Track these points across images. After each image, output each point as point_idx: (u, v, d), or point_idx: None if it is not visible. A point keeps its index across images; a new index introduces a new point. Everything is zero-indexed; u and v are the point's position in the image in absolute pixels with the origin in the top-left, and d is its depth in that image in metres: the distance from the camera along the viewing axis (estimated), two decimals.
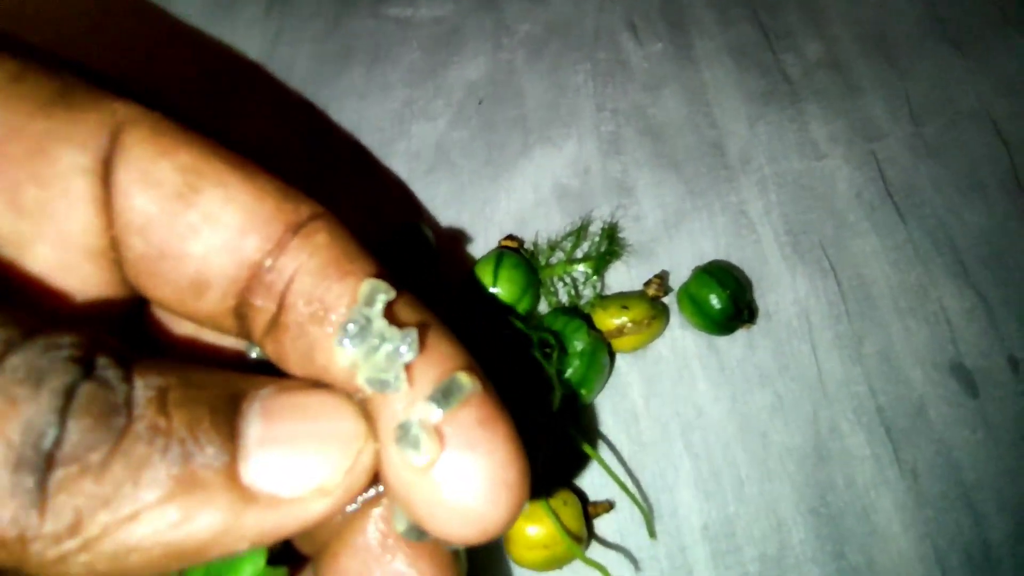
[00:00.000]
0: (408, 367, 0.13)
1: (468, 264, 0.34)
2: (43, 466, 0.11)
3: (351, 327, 0.13)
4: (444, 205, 0.37)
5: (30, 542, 0.11)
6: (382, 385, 0.13)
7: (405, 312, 0.14)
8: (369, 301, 0.13)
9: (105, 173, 0.14)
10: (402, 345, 0.12)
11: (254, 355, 0.15)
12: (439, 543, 0.14)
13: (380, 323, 0.13)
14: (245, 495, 0.12)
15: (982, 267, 0.34)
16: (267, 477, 0.12)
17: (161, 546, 0.11)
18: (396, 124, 0.39)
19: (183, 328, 0.16)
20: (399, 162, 0.38)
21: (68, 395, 0.11)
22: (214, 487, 0.11)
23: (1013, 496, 0.29)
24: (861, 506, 0.29)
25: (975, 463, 0.30)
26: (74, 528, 0.11)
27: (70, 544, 0.11)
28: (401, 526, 0.14)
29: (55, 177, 0.14)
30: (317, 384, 0.13)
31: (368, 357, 0.12)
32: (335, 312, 0.13)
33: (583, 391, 0.29)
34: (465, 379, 0.13)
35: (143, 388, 0.12)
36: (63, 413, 0.11)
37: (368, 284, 0.13)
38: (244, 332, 0.15)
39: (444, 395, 0.12)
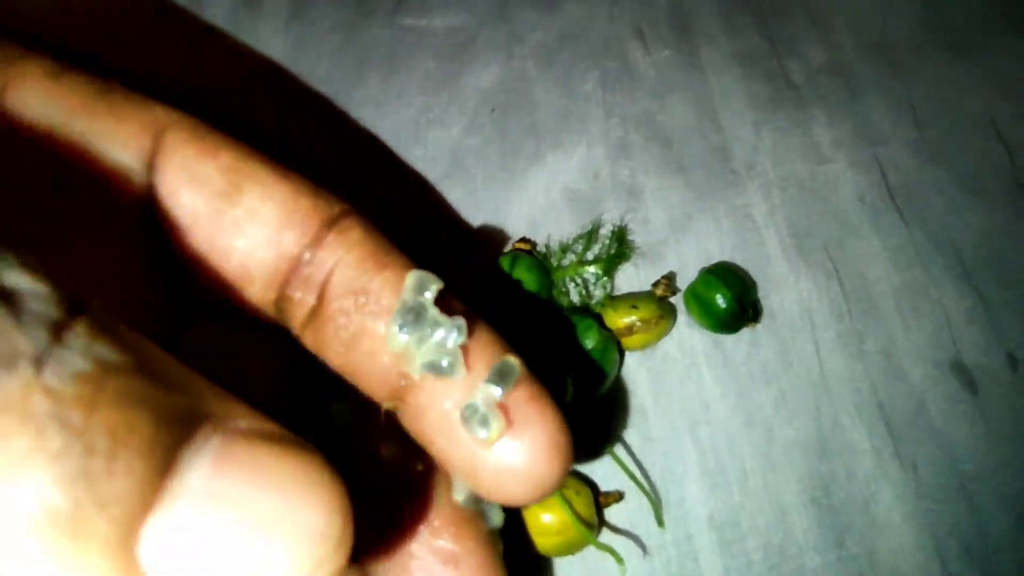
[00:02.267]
0: (464, 352, 0.14)
1: (481, 266, 0.35)
2: None
3: (407, 315, 0.14)
4: (459, 209, 0.38)
5: None
6: (440, 369, 0.14)
7: (449, 301, 0.15)
8: (420, 290, 0.14)
9: (149, 172, 0.14)
10: (454, 331, 0.14)
11: (337, 411, 0.16)
12: (480, 522, 0.15)
13: (434, 311, 0.14)
14: (132, 571, 0.08)
15: (982, 268, 0.35)
16: (178, 560, 0.08)
17: None
18: (412, 131, 0.41)
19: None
20: (415, 168, 0.40)
21: None
22: (99, 544, 0.07)
23: (1010, 489, 0.30)
24: (862, 498, 0.30)
25: (974, 457, 0.31)
26: None
27: None
28: (460, 495, 0.15)
29: (101, 175, 0.14)
30: (301, 442, 0.09)
31: (420, 343, 0.14)
32: (381, 302, 0.14)
33: (594, 387, 0.31)
34: (514, 361, 0.14)
35: (77, 353, 0.07)
36: None
37: (415, 275, 0.14)
38: (284, 322, 0.15)
39: (501, 377, 0.14)
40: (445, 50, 0.44)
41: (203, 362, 0.16)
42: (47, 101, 0.14)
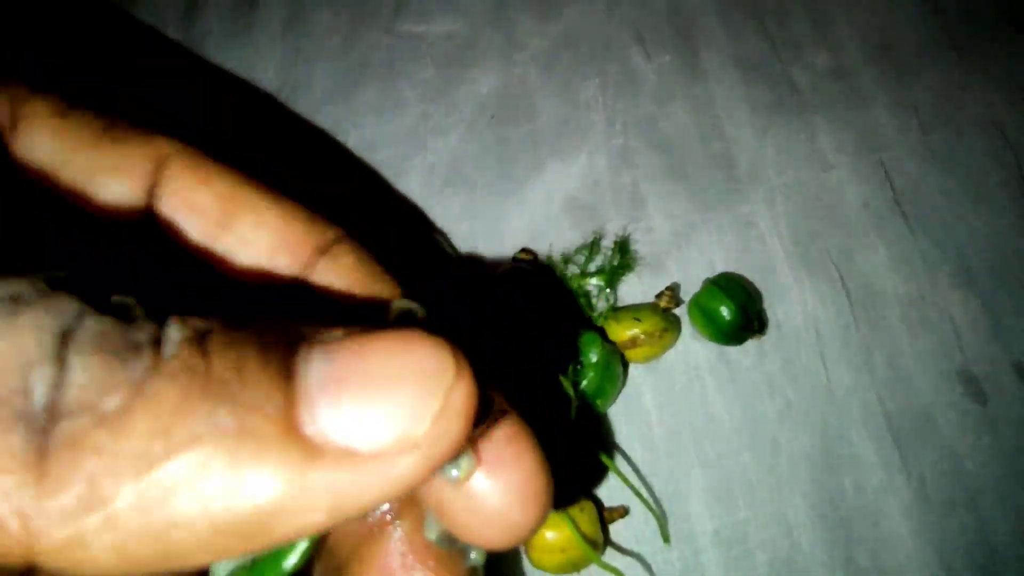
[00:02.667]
0: None
1: (484, 276, 0.35)
2: (41, 418, 0.08)
3: None
4: (459, 218, 0.38)
5: (32, 521, 0.08)
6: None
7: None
8: (401, 319, 0.14)
9: (149, 202, 0.15)
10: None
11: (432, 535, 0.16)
12: (460, 558, 0.15)
13: None
14: (310, 449, 0.09)
15: (989, 275, 0.35)
16: (335, 426, 0.10)
17: (209, 519, 0.09)
18: (411, 139, 0.41)
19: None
20: (415, 176, 0.39)
21: (66, 334, 0.09)
22: (270, 439, 0.09)
23: (1019, 501, 0.30)
24: (869, 511, 0.30)
25: (981, 469, 0.31)
26: (90, 500, 0.08)
27: (87, 521, 0.08)
28: (432, 534, 0.14)
29: (103, 206, 0.15)
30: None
31: None
32: None
33: (598, 401, 0.30)
34: (491, 397, 0.14)
35: (177, 328, 0.09)
36: (61, 353, 0.08)
37: (398, 303, 0.14)
38: None
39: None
40: (444, 57, 0.43)
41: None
42: (54, 138, 0.15)
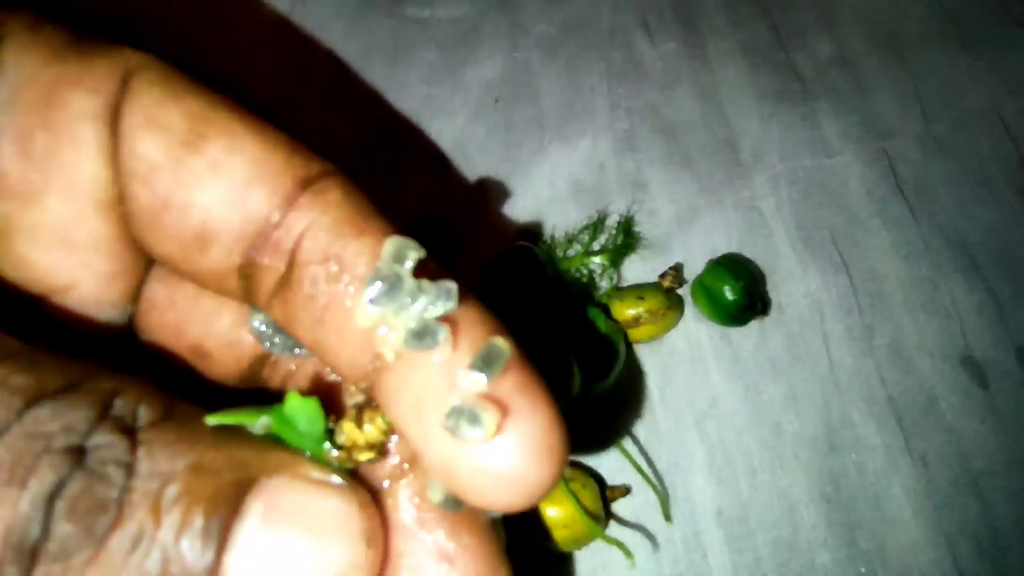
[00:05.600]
0: (453, 326, 0.12)
1: (488, 253, 0.35)
2: (26, 563, 0.10)
3: (379, 285, 0.12)
4: (463, 200, 0.38)
5: None
6: (425, 340, 0.12)
7: (434, 268, 0.13)
8: (397, 259, 0.12)
9: (114, 119, 0.13)
10: (443, 295, 0.12)
11: (256, 323, 0.14)
12: (478, 512, 0.14)
13: (411, 282, 0.12)
14: None
15: (991, 261, 0.35)
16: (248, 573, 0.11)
17: None
18: (415, 122, 0.40)
19: (180, 340, 0.16)
20: (419, 158, 0.39)
21: (53, 496, 0.11)
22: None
23: (1021, 483, 0.30)
24: (872, 493, 0.30)
25: (984, 452, 0.31)
26: None
27: None
28: (437, 496, 0.13)
29: (65, 123, 0.13)
30: (329, 468, 0.12)
31: (399, 312, 0.12)
32: (355, 271, 0.12)
33: (601, 379, 0.30)
34: (503, 343, 0.12)
35: (144, 479, 0.11)
36: (48, 513, 0.10)
37: (393, 241, 0.12)
38: (250, 295, 0.14)
39: (485, 362, 0.12)
40: (448, 40, 0.43)
41: (165, 318, 0.15)
42: (23, 53, 0.14)
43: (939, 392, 0.32)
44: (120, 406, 0.11)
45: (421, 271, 0.12)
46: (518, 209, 0.37)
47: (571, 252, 0.34)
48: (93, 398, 0.11)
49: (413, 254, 0.12)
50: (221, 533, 0.11)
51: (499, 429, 0.11)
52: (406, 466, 0.14)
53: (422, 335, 0.12)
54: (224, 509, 0.11)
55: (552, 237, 0.35)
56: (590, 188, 0.38)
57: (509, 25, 0.43)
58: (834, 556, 0.29)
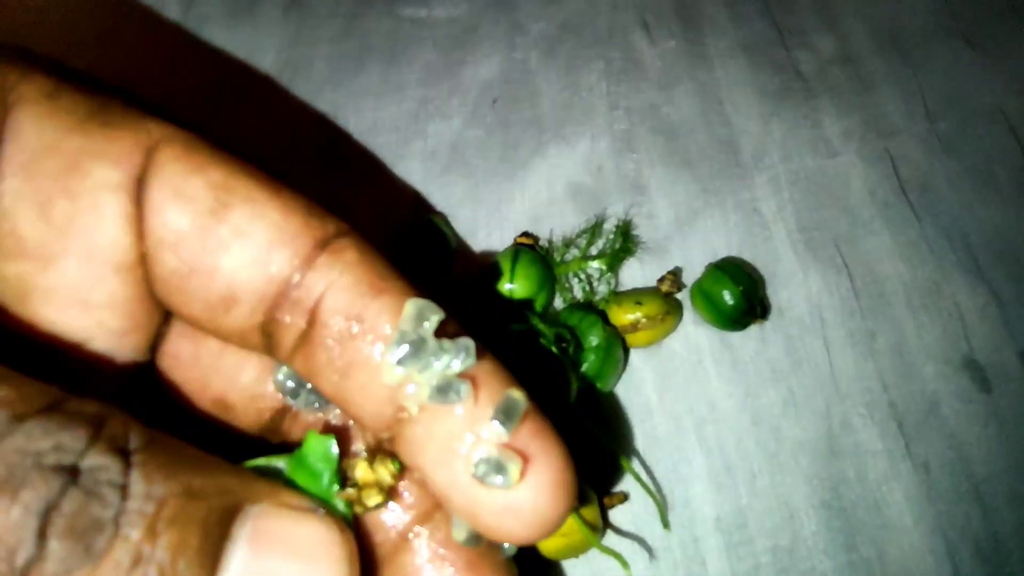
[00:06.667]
0: (473, 380, 0.13)
1: (484, 261, 0.34)
2: None
3: (406, 347, 0.13)
4: (460, 203, 0.37)
5: None
6: (448, 396, 0.13)
7: (452, 327, 0.14)
8: (419, 320, 0.13)
9: (137, 190, 0.14)
10: (462, 352, 0.13)
11: (281, 377, 0.16)
12: (494, 550, 0.15)
13: (434, 343, 0.13)
14: None
15: (995, 263, 0.34)
16: None
17: None
18: (412, 123, 0.40)
19: (204, 393, 0.16)
20: (415, 161, 0.39)
21: (47, 512, 0.10)
22: None
23: (1023, 490, 0.30)
24: (873, 500, 0.30)
25: (987, 457, 0.30)
26: None
27: None
28: (461, 535, 0.14)
29: (87, 192, 0.14)
30: (312, 503, 0.13)
31: (423, 371, 0.13)
32: (378, 330, 0.13)
33: (598, 385, 0.30)
34: (519, 395, 0.13)
35: (139, 500, 0.11)
36: (41, 531, 0.10)
37: (414, 304, 0.13)
38: (271, 349, 0.15)
39: (506, 414, 0.13)
40: (446, 40, 0.43)
41: (190, 373, 0.16)
42: (42, 121, 0.14)
43: (941, 396, 0.31)
44: (112, 429, 0.12)
45: (440, 330, 0.14)
46: (516, 212, 0.37)
47: (568, 256, 0.34)
48: (85, 420, 0.12)
49: (434, 317, 0.13)
50: (214, 555, 0.12)
51: (522, 475, 0.13)
52: (411, 524, 0.15)
53: (445, 391, 0.13)
54: (216, 533, 0.12)
55: (550, 240, 0.35)
56: (589, 190, 0.37)
57: (507, 25, 0.43)
58: (834, 563, 0.29)
